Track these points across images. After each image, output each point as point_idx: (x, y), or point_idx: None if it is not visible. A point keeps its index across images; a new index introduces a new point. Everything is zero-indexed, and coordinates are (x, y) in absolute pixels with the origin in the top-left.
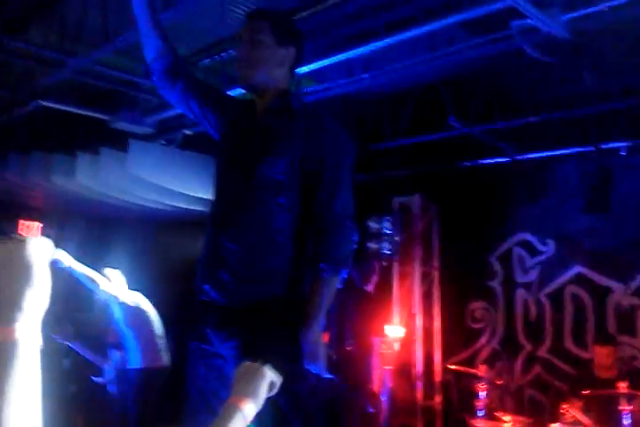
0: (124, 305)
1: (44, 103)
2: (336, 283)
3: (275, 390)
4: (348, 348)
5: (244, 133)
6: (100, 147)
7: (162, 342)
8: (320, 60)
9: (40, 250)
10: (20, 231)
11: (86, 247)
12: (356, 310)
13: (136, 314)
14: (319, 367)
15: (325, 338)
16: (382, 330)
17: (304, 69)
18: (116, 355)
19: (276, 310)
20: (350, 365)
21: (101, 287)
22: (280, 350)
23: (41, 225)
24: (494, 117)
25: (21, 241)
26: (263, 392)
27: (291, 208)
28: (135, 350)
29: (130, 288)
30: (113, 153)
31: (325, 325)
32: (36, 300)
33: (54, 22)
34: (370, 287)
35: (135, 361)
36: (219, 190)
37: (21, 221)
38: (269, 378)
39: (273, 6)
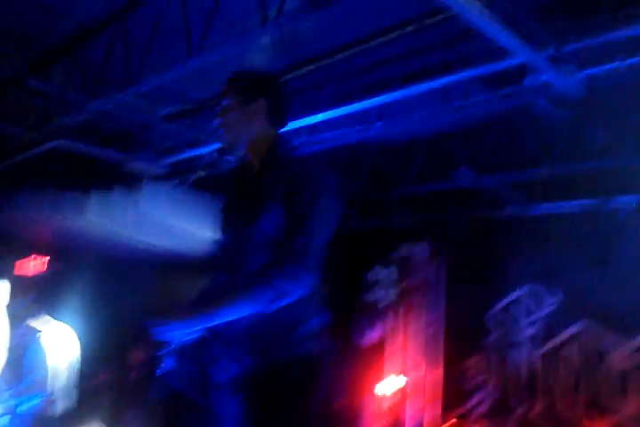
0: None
1: (61, 143)
2: (245, 308)
3: None
4: (336, 405)
5: (239, 197)
6: (114, 186)
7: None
8: (336, 108)
9: None
10: (29, 264)
11: (91, 283)
12: (350, 365)
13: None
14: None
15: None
16: (374, 387)
17: (320, 117)
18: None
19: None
20: (340, 423)
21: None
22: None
23: (48, 259)
24: (505, 169)
25: None
26: None
27: None
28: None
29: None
30: (125, 192)
31: None
32: None
33: (77, 64)
34: (365, 342)
35: (28, 403)
36: (218, 260)
37: (32, 255)
38: None
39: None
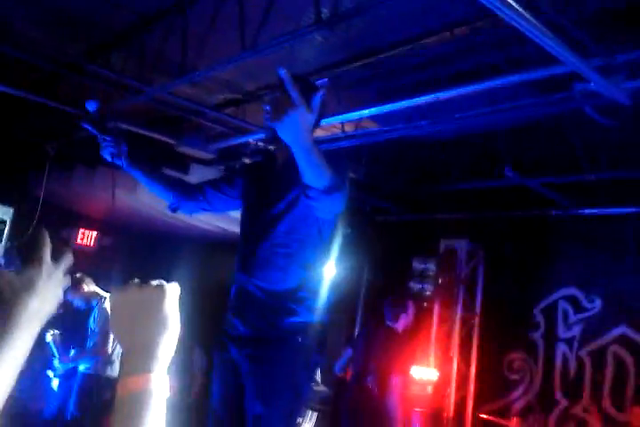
0: (103, 310)
1: (116, 124)
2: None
3: None
4: (368, 385)
5: (265, 183)
6: (163, 166)
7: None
8: (385, 104)
9: (173, 296)
10: (79, 239)
11: (135, 259)
12: (383, 347)
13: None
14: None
15: (348, 374)
16: (407, 370)
17: (365, 113)
18: (73, 353)
19: (292, 338)
20: (369, 402)
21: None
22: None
23: (96, 233)
24: (550, 171)
25: (157, 287)
26: None
27: (303, 242)
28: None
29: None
30: (174, 173)
31: (350, 358)
32: (168, 347)
33: (134, 51)
34: (399, 326)
35: (87, 365)
36: (243, 237)
37: (81, 230)
38: None
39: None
